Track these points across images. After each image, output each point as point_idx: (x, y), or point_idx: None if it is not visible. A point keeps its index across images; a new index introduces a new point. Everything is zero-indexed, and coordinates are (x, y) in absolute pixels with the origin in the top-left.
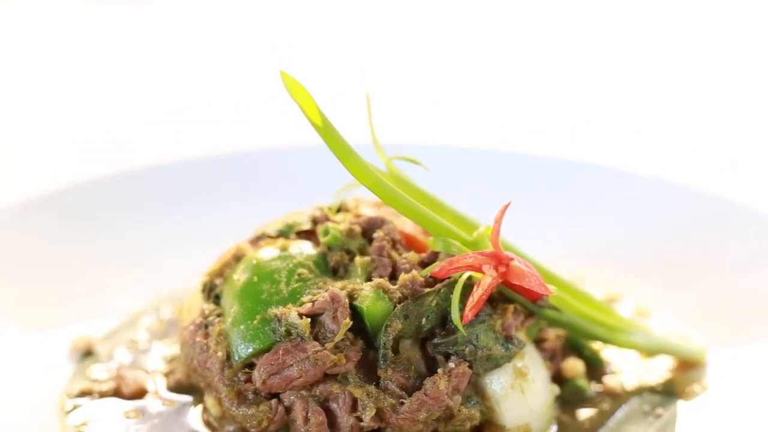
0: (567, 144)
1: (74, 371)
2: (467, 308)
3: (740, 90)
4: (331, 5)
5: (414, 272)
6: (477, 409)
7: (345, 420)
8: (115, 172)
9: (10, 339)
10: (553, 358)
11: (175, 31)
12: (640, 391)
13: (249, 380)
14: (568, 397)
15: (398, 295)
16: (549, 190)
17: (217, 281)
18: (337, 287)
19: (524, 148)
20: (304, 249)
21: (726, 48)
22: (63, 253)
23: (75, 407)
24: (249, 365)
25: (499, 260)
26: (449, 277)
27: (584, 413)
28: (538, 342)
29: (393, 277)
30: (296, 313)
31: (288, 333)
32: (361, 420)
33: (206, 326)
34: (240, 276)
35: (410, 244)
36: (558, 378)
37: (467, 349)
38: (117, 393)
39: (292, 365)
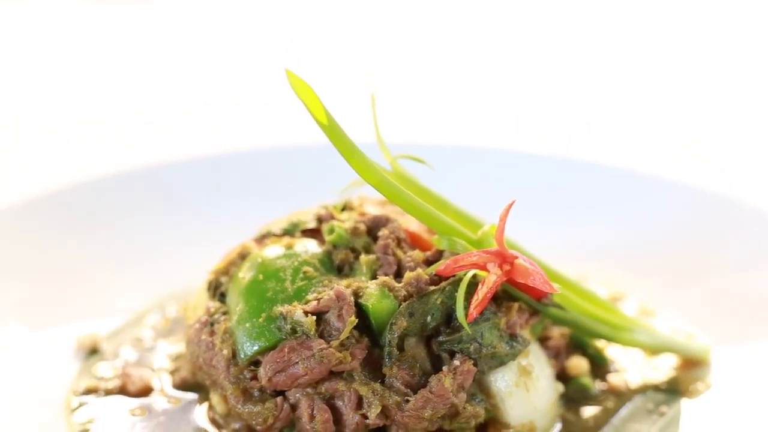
0: (571, 143)
1: (80, 369)
2: (472, 306)
3: (745, 88)
4: (332, 4)
5: (419, 270)
6: (482, 406)
7: (350, 417)
8: (120, 171)
9: (16, 337)
10: (557, 356)
11: (175, 31)
12: (644, 389)
13: (255, 378)
14: (573, 395)
15: (403, 293)
16: (553, 189)
17: (223, 279)
18: (342, 285)
19: (528, 147)
20: (309, 247)
21: (728, 46)
22: (69, 251)
23: (81, 405)
24: (254, 363)
25: (503, 258)
26: (454, 276)
27: (588, 411)
28: (543, 340)
29: (398, 275)
30: (302, 311)
31: (293, 331)
32: (366, 417)
33: (212, 324)
34: (245, 274)
35: (415, 242)
36: (562, 376)
37: (472, 346)
38: (123, 391)
39: (297, 363)
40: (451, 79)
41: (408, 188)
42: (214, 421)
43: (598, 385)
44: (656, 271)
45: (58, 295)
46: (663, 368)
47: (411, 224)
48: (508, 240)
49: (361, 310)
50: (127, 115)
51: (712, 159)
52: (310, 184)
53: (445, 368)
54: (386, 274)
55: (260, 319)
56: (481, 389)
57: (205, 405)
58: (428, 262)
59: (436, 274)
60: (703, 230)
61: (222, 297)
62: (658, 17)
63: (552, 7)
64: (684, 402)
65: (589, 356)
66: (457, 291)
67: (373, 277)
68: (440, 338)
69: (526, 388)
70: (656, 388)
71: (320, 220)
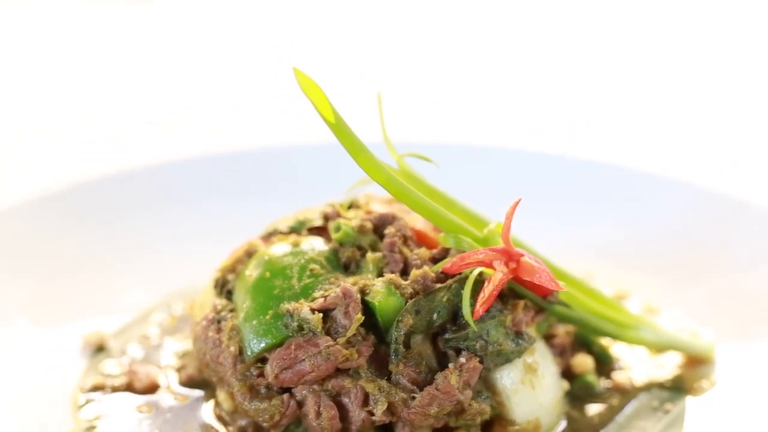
0: (577, 143)
1: (87, 366)
2: (478, 304)
3: (749, 87)
4: (334, 4)
5: (425, 268)
6: (487, 403)
7: (357, 414)
8: (127, 169)
9: (23, 335)
10: (562, 353)
11: (175, 30)
12: (648, 387)
13: (261, 375)
14: (578, 393)
15: (410, 290)
16: (559, 188)
17: (230, 277)
18: (349, 283)
19: (534, 146)
20: (316, 245)
21: (728, 46)
22: (75, 250)
23: (88, 402)
24: (261, 360)
25: (509, 256)
26: (460, 273)
27: (593, 409)
28: (548, 338)
29: (404, 273)
30: (308, 308)
31: (300, 328)
32: (372, 414)
33: (219, 321)
34: (252, 272)
35: (421, 240)
36: (567, 374)
37: (478, 344)
38: (129, 388)
39: (304, 360)
40: (457, 78)
41: (414, 186)
42: (220, 418)
43: (603, 383)
44: (661, 269)
45: (64, 293)
46: (668, 366)
47: (417, 222)
48: (514, 238)
49: (367, 308)
50: (127, 115)
51: (716, 158)
52: (316, 183)
53: (451, 365)
54: (393, 272)
55: (267, 317)
56: (486, 386)
57: (212, 402)
58: (434, 260)
59: (442, 272)
60: (708, 229)
61: (229, 294)
62: (660, 17)
63: (556, 7)
64: (689, 399)
65: (594, 354)
66: (463, 289)
67: (380, 274)
68: (446, 335)
69: (531, 385)
70: (661, 385)
71: (327, 218)
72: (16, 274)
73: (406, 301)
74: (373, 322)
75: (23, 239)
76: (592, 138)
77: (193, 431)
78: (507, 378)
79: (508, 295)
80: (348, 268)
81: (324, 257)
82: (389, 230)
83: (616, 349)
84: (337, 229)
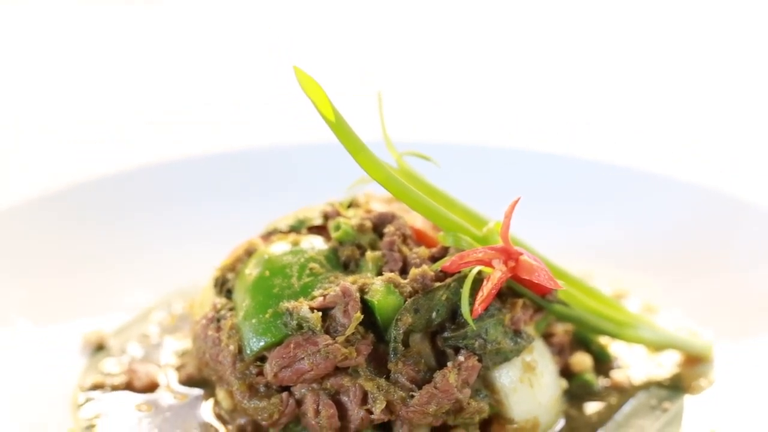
0: (575, 142)
1: (87, 365)
2: (477, 302)
3: (751, 85)
4: (334, 4)
5: (424, 267)
6: (486, 402)
7: (355, 413)
8: (127, 169)
9: (23, 334)
10: (561, 352)
11: (175, 30)
12: (647, 386)
13: (260, 373)
14: (576, 391)
15: (409, 289)
16: (558, 187)
17: (229, 276)
18: (348, 281)
19: (533, 145)
20: (316, 244)
21: (728, 46)
22: (75, 249)
23: (87, 400)
24: (260, 358)
25: (508, 255)
26: (459, 272)
27: (592, 407)
28: (547, 336)
29: (403, 272)
30: (308, 306)
31: (299, 326)
32: (371, 413)
33: (218, 320)
34: (252, 270)
35: (420, 239)
36: (566, 372)
37: (477, 342)
38: (129, 386)
39: (303, 358)
40: (457, 77)
41: (414, 185)
42: (219, 417)
43: (601, 382)
44: (659, 268)
45: (64, 293)
46: (666, 365)
47: (416, 221)
48: (513, 237)
49: (366, 306)
50: (127, 115)
51: (716, 158)
52: (316, 182)
53: (449, 364)
54: (392, 271)
55: (266, 315)
56: (485, 385)
57: (211, 401)
58: (433, 259)
59: (441, 271)
60: (707, 228)
61: (228, 293)
62: (661, 17)
63: (556, 6)
64: (687, 398)
65: (592, 352)
66: (462, 287)
67: (379, 273)
68: (445, 334)
69: (530, 384)
70: (659, 384)
71: (326, 217)
72: (16, 274)
73: (405, 300)
74: (372, 321)
75: (23, 239)
76: (592, 138)
77: (192, 430)
78: (505, 376)
79: (506, 294)
80: (347, 266)
81: (323, 256)
82: (389, 229)
83: (614, 347)
84: (337, 228)
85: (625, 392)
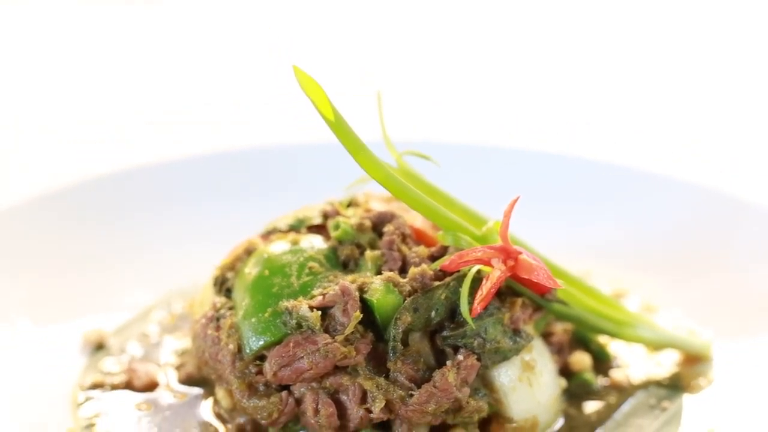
0: (575, 142)
1: (86, 364)
2: (476, 301)
3: (751, 85)
4: (334, 4)
5: (424, 266)
6: (485, 401)
7: (354, 412)
8: (127, 169)
9: (23, 333)
10: (560, 351)
11: (175, 30)
12: (646, 385)
13: (260, 372)
14: (575, 391)
15: (408, 288)
16: (557, 187)
17: (229, 275)
18: (347, 281)
19: (533, 145)
20: (315, 243)
21: (736, 42)
22: (75, 248)
23: (87, 399)
24: (260, 357)
25: (507, 254)
26: (458, 271)
27: (591, 406)
28: (546, 336)
29: (403, 271)
30: (307, 306)
31: (299, 326)
32: (370, 412)
33: (218, 319)
34: (251, 270)
35: (420, 238)
36: (565, 371)
37: (476, 341)
38: (129, 385)
39: (302, 357)
40: (456, 77)
41: (413, 185)
42: (219, 416)
43: (600, 381)
44: (659, 268)
45: (64, 292)
46: (665, 364)
47: (416, 220)
48: (512, 236)
49: (366, 306)
50: (127, 115)
51: (716, 158)
52: (316, 182)
53: (448, 363)
54: (391, 270)
55: (266, 314)
56: (484, 384)
57: (211, 400)
58: (433, 258)
59: (440, 270)
60: (706, 228)
61: (228, 292)
62: (661, 17)
63: (556, 6)
64: (686, 397)
65: (591, 352)
66: (461, 286)
67: (378, 272)
68: (444, 333)
69: (529, 383)
70: (658, 383)
71: (326, 216)
72: (16, 274)
73: (405, 299)
74: (371, 320)
75: (23, 239)
76: (592, 138)
77: (191, 429)
78: (505, 375)
79: (506, 293)
80: (347, 266)
81: (323, 255)
82: (388, 228)
83: (613, 346)
84: (336, 227)
85: (624, 391)
